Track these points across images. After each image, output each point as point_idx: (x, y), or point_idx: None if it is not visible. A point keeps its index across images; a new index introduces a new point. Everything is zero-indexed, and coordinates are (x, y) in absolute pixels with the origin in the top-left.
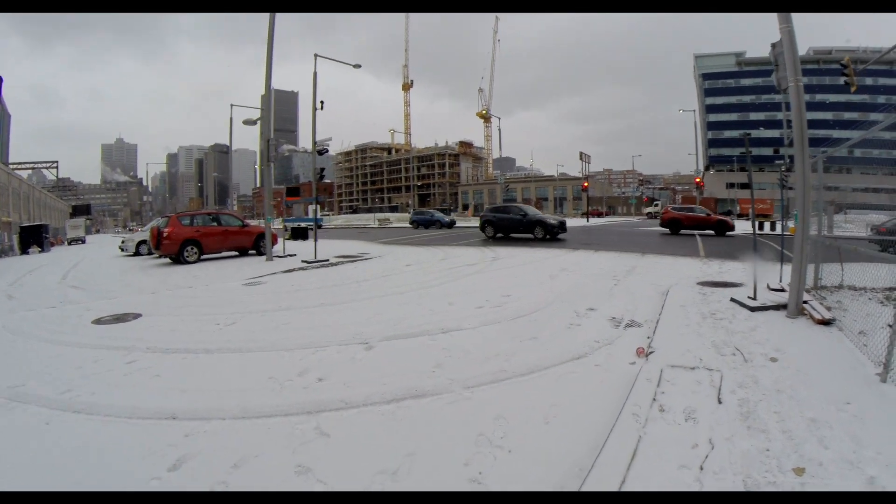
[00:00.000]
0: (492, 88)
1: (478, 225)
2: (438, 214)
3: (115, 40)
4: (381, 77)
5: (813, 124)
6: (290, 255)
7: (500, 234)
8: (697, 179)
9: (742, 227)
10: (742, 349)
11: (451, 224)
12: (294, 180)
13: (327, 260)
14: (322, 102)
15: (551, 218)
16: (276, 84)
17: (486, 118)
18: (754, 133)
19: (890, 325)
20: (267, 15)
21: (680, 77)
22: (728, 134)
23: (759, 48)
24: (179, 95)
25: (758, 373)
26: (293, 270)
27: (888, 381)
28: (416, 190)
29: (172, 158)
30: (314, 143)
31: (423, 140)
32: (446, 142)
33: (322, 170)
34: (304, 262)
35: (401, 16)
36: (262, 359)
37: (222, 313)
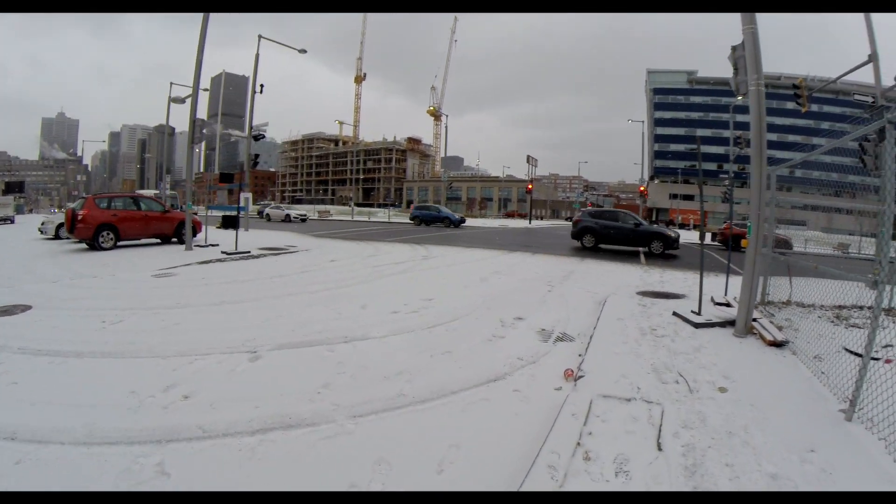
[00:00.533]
0: (445, 87)
1: (572, 231)
2: (446, 211)
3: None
4: (334, 68)
5: None
6: (213, 245)
7: (601, 245)
8: (642, 189)
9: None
10: (686, 375)
11: (459, 223)
12: (239, 167)
13: (249, 252)
14: (262, 86)
15: (670, 230)
16: (228, 67)
17: (436, 116)
18: (698, 148)
19: (848, 351)
20: None
21: (631, 91)
22: (674, 147)
23: (709, 69)
24: (128, 70)
25: (705, 408)
26: (209, 262)
27: (854, 420)
28: (360, 183)
29: (115, 137)
30: (250, 127)
31: (373, 134)
32: (395, 137)
33: (256, 156)
34: (224, 253)
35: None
36: (133, 367)
37: (114, 309)
